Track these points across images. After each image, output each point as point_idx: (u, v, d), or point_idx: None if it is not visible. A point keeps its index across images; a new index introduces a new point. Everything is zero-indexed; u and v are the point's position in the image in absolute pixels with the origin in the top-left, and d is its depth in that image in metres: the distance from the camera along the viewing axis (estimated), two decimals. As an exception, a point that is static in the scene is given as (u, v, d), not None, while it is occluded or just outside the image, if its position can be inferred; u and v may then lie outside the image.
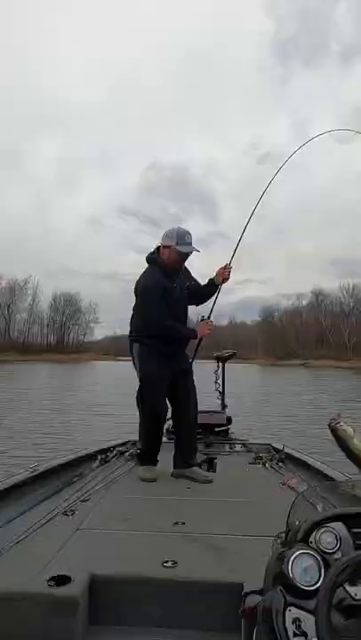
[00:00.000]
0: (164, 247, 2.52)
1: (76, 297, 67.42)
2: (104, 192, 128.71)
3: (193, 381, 2.73)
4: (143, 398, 2.62)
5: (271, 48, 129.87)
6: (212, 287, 2.70)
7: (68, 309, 66.64)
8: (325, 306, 65.42)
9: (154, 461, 2.63)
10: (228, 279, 2.64)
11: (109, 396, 14.15)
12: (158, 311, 2.47)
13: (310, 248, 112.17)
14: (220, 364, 4.15)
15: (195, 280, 2.72)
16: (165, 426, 2.81)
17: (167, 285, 2.48)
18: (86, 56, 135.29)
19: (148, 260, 2.59)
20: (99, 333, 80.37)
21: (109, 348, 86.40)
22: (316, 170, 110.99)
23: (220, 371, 4.13)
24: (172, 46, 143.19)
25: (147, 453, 2.65)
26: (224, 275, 2.64)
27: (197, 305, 2.79)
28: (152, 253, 2.61)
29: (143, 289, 2.55)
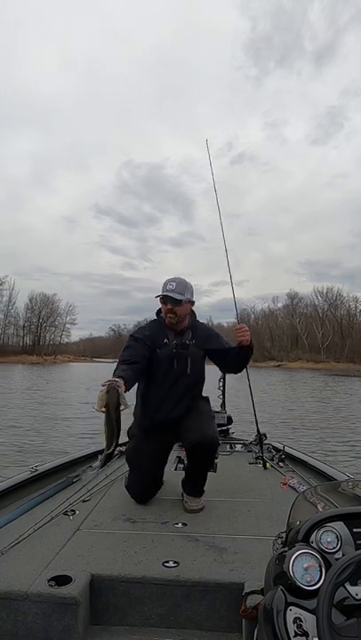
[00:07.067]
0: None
1: (52, 298, 65.65)
2: (79, 191, 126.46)
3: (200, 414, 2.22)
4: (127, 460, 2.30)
5: (245, 47, 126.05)
6: (238, 349, 2.25)
7: (44, 310, 64.73)
8: (300, 308, 66.62)
9: None
10: (247, 339, 2.17)
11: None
12: (121, 357, 2.17)
13: (285, 250, 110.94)
14: None
15: (221, 343, 2.31)
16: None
17: (155, 339, 2.19)
18: (59, 56, 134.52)
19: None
20: (75, 335, 78.95)
21: (86, 350, 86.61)
22: (291, 172, 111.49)
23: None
24: (147, 45, 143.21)
25: None
26: (237, 335, 2.20)
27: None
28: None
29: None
